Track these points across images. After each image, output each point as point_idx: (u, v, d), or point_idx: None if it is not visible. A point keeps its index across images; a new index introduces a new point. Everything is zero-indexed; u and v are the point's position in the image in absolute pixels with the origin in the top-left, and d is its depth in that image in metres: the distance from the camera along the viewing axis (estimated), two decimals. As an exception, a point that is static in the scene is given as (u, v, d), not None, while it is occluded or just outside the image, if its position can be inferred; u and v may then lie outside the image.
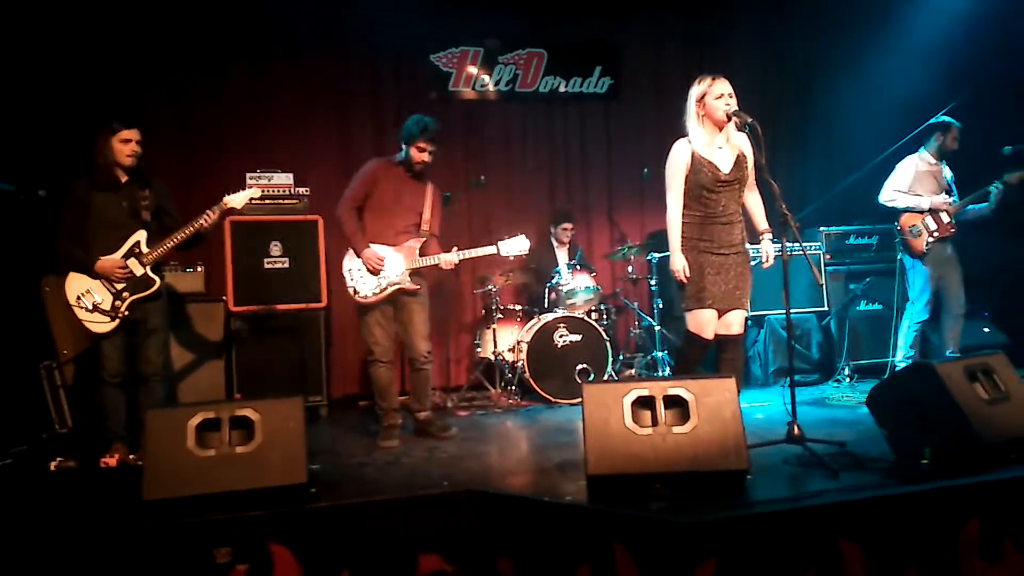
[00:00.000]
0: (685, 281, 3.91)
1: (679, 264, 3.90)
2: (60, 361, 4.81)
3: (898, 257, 5.52)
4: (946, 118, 5.39)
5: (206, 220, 4.15)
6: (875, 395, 3.59)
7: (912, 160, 5.44)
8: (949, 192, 5.39)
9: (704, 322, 3.87)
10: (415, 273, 4.47)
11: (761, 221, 4.03)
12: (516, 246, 4.60)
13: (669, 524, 2.70)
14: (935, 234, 5.26)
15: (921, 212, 5.30)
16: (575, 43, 7.05)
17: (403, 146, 4.50)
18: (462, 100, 6.86)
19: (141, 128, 4.16)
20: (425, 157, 4.46)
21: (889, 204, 5.44)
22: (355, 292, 4.42)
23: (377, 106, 6.52)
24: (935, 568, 2.81)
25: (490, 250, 4.54)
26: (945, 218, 5.26)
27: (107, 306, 4.06)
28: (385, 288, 4.40)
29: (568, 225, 6.58)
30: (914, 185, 5.38)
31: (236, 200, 4.27)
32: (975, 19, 6.39)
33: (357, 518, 3.02)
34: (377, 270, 4.38)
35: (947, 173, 5.45)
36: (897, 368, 5.31)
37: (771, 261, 3.95)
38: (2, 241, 4.81)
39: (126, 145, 4.09)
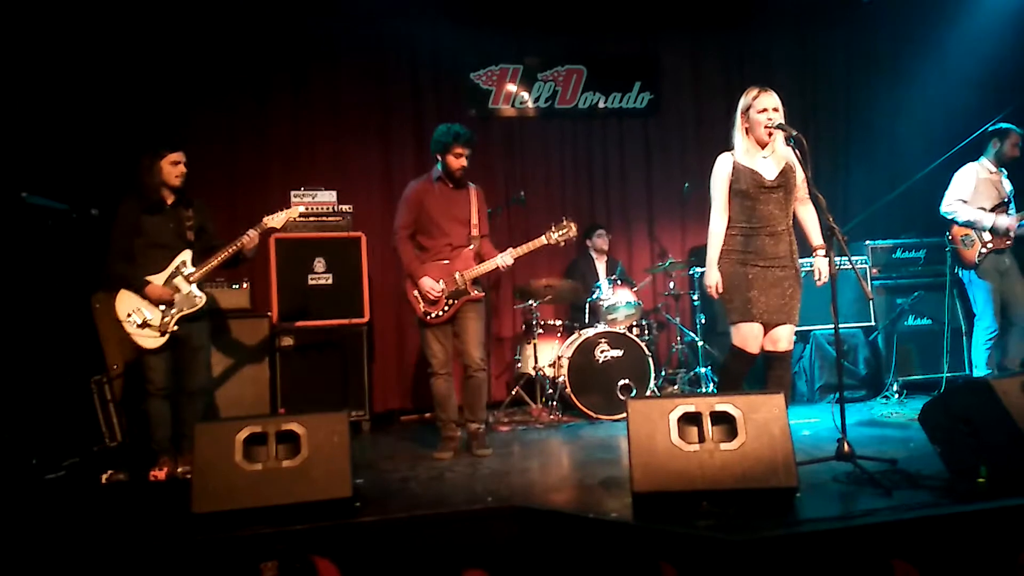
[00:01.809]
0: (716, 297, 3.88)
1: (713, 279, 3.88)
2: (110, 376, 4.91)
3: (955, 270, 5.37)
4: (1004, 124, 5.22)
5: (247, 240, 4.25)
6: (927, 411, 3.51)
7: (972, 168, 5.25)
8: (1008, 203, 5.20)
9: (749, 336, 3.81)
10: (475, 281, 4.49)
11: (815, 236, 3.96)
12: (564, 233, 4.55)
13: (718, 542, 2.66)
14: (989, 245, 5.11)
15: (980, 230, 5.13)
16: (614, 59, 7.06)
17: (438, 158, 4.53)
18: (502, 117, 6.90)
19: (185, 148, 4.28)
20: (463, 162, 4.48)
21: (950, 215, 5.25)
22: (427, 315, 4.46)
23: (418, 124, 6.58)
24: (994, 590, 2.73)
25: (540, 241, 4.52)
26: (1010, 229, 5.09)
27: (156, 322, 4.17)
28: (454, 304, 4.44)
29: (602, 231, 6.57)
30: (975, 195, 5.20)
31: (276, 220, 4.35)
32: (1018, 32, 6.27)
33: (402, 532, 3.03)
34: (436, 299, 4.41)
35: (1007, 183, 5.26)
36: None
37: (824, 279, 3.85)
38: (55, 259, 4.93)
39: (175, 167, 4.23)
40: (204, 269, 4.24)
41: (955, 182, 5.27)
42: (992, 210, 5.16)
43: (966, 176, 5.24)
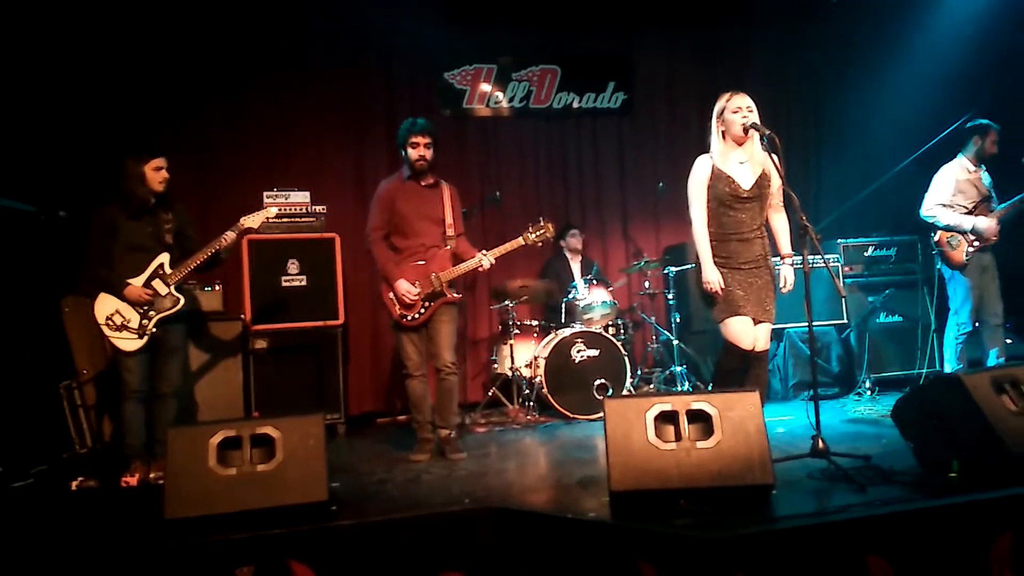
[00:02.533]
0: (720, 294, 3.87)
1: (713, 276, 3.86)
2: (80, 381, 4.83)
3: (936, 267, 5.39)
4: (983, 120, 5.22)
5: (224, 241, 4.23)
6: (900, 408, 3.56)
7: (951, 169, 5.27)
8: (989, 199, 5.22)
9: (740, 331, 3.84)
10: (452, 283, 4.47)
11: (784, 245, 4.02)
12: (541, 233, 4.53)
13: (695, 540, 2.67)
14: (975, 244, 5.12)
15: (961, 233, 5.15)
16: (588, 58, 7.07)
17: (403, 155, 4.51)
18: (476, 117, 6.88)
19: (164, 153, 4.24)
20: (421, 152, 4.43)
21: (930, 220, 5.27)
22: (403, 317, 4.43)
23: (391, 124, 6.52)
24: (966, 583, 2.76)
25: (518, 242, 4.49)
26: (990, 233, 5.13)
27: (135, 324, 4.15)
28: (430, 306, 4.41)
29: (575, 231, 6.59)
30: (955, 196, 5.21)
31: (253, 220, 4.31)
32: (989, 26, 6.36)
33: (378, 536, 3.00)
34: (412, 303, 4.38)
35: (986, 179, 5.29)
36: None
37: (789, 287, 3.93)
38: (23, 261, 4.85)
39: (158, 172, 4.20)
40: (183, 271, 4.21)
41: (934, 186, 5.29)
42: (973, 209, 5.18)
43: (944, 179, 5.26)
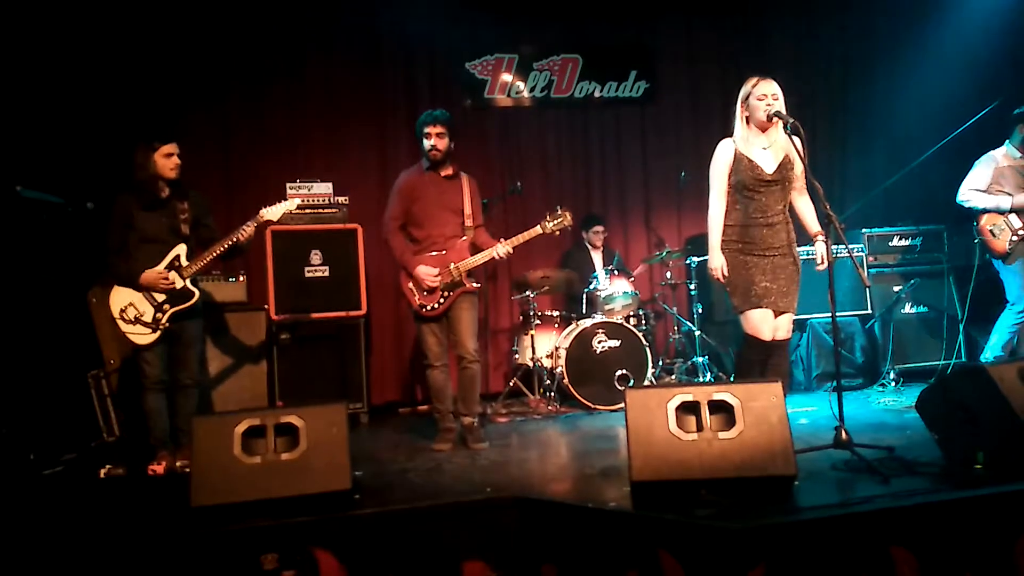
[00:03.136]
0: (722, 280, 3.89)
1: (717, 262, 3.89)
2: (107, 370, 4.91)
3: (975, 259, 5.28)
4: None
5: (243, 234, 4.19)
6: (925, 399, 3.53)
7: (992, 156, 5.14)
8: None
9: (760, 322, 3.82)
10: (471, 273, 4.48)
11: (813, 224, 3.99)
12: (559, 222, 4.52)
13: (717, 531, 2.67)
14: (1020, 232, 4.99)
15: (1002, 213, 5.03)
16: (609, 47, 7.03)
17: (421, 147, 4.52)
18: (498, 107, 6.88)
19: (179, 140, 4.22)
20: (435, 142, 4.44)
21: (967, 205, 5.16)
22: (422, 307, 4.44)
23: (412, 114, 6.47)
24: (991, 576, 2.73)
25: (535, 231, 4.49)
26: None
27: (149, 318, 4.14)
28: (449, 296, 4.42)
29: (599, 228, 6.56)
30: (995, 183, 5.09)
31: (272, 213, 4.28)
32: (1015, 13, 6.25)
33: (401, 524, 3.02)
34: (433, 287, 4.39)
35: None
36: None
37: (825, 264, 3.84)
38: (51, 253, 4.92)
39: (169, 159, 4.16)
40: (199, 264, 4.19)
41: (972, 172, 5.17)
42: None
43: (983, 166, 5.14)
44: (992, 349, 5.13)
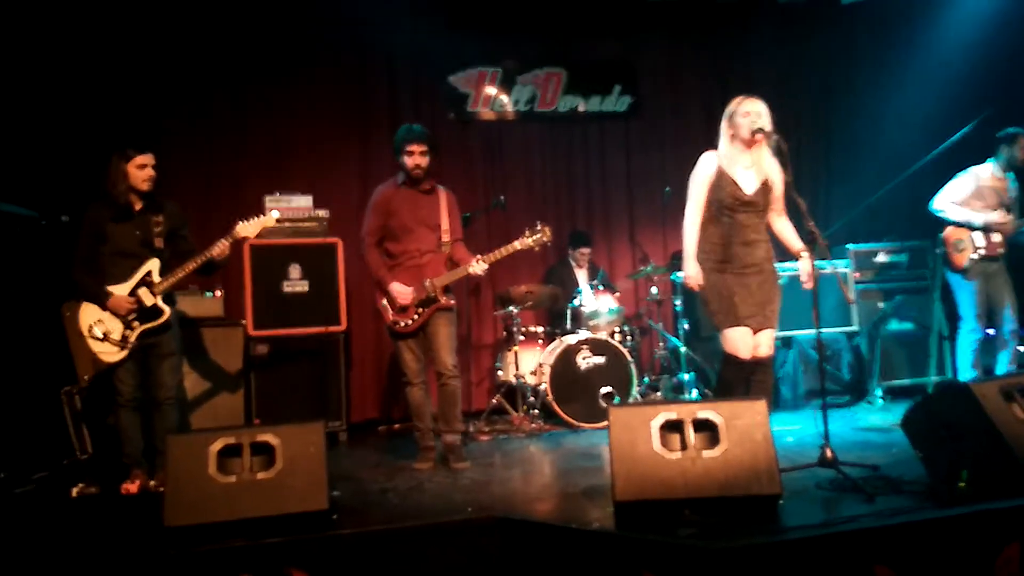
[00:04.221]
0: (697, 290, 3.90)
1: (692, 271, 3.91)
2: (81, 387, 4.81)
3: (941, 272, 5.33)
4: (1012, 129, 5.12)
5: (216, 250, 4.09)
6: (909, 417, 3.52)
7: (974, 172, 5.18)
8: (1010, 209, 5.13)
9: (739, 341, 3.81)
10: (447, 289, 4.43)
11: (794, 242, 3.98)
12: (539, 237, 4.48)
13: (700, 550, 2.63)
14: (980, 251, 5.05)
15: (971, 229, 5.07)
16: (594, 62, 7.04)
17: (399, 160, 4.47)
18: (481, 121, 6.85)
19: (159, 151, 4.15)
20: (417, 160, 4.39)
21: (940, 214, 5.19)
22: (396, 324, 4.39)
23: (395, 128, 6.40)
24: (976, 595, 2.71)
25: (514, 246, 4.45)
26: (996, 237, 5.04)
27: (117, 336, 4.06)
28: (423, 312, 4.37)
29: (586, 250, 6.54)
30: (972, 199, 5.13)
31: (248, 229, 4.17)
32: (999, 28, 6.31)
33: (380, 545, 2.97)
34: (405, 305, 4.35)
35: (1013, 190, 5.18)
36: None
37: (811, 281, 3.82)
38: (24, 266, 4.83)
39: (142, 171, 4.07)
40: (170, 280, 4.09)
41: (952, 183, 5.20)
42: None
43: (963, 180, 5.18)
44: (963, 371, 5.17)
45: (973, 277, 5.10)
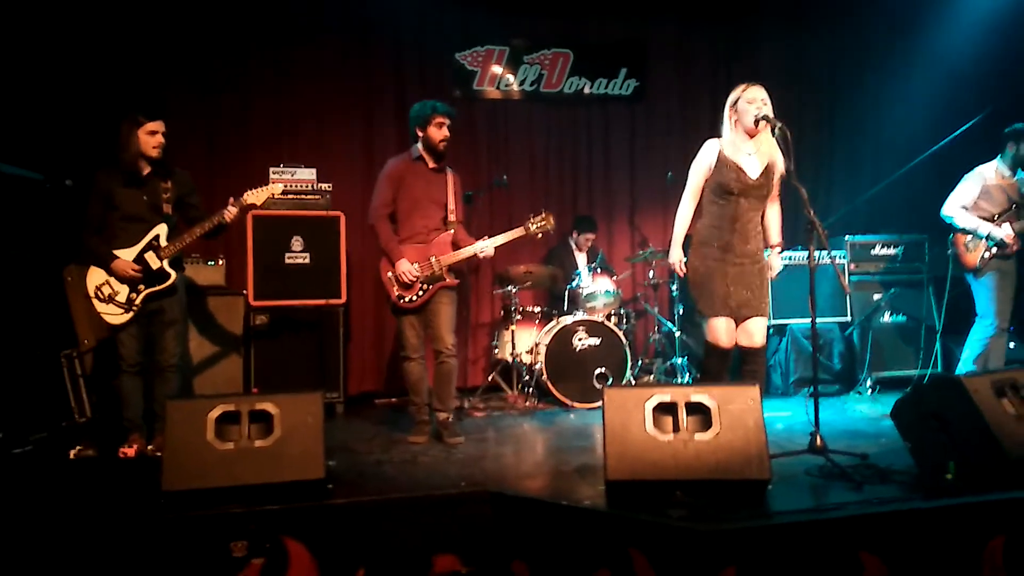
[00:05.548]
0: (681, 275, 4.00)
1: (675, 257, 4.04)
2: (81, 350, 4.84)
3: (949, 270, 5.29)
4: (1019, 124, 5.05)
5: (227, 215, 4.15)
6: (899, 408, 3.55)
7: (980, 173, 5.13)
8: (1020, 207, 5.07)
9: (720, 330, 3.86)
10: (451, 268, 4.46)
11: (775, 235, 4.04)
12: (543, 224, 4.54)
13: (689, 532, 2.68)
14: (993, 251, 5.02)
15: (977, 238, 5.04)
16: (601, 44, 7.02)
17: (418, 134, 4.48)
18: (486, 99, 6.84)
19: (165, 119, 4.16)
20: (446, 133, 4.44)
21: (949, 221, 5.16)
22: (400, 299, 4.41)
23: (400, 103, 6.50)
24: (959, 585, 2.77)
25: (519, 232, 4.51)
26: (1009, 235, 5.00)
27: (122, 298, 4.09)
28: (428, 289, 4.40)
29: (590, 235, 6.55)
30: (980, 200, 5.09)
31: (256, 196, 4.23)
32: (1004, 24, 6.30)
33: (374, 516, 3.01)
34: (411, 282, 4.37)
35: (1021, 186, 5.12)
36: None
37: (774, 276, 4.00)
38: (28, 230, 4.85)
39: (152, 137, 4.09)
40: (178, 244, 4.14)
41: (959, 188, 5.16)
42: (998, 216, 5.06)
43: (970, 182, 5.13)
44: (965, 363, 5.17)
45: (987, 274, 5.08)
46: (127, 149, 4.07)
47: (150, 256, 4.11)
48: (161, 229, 4.15)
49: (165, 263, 4.14)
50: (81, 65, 5.55)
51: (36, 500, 3.42)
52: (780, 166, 3.88)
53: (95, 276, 4.11)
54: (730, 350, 3.89)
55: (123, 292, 4.09)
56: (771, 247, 4.04)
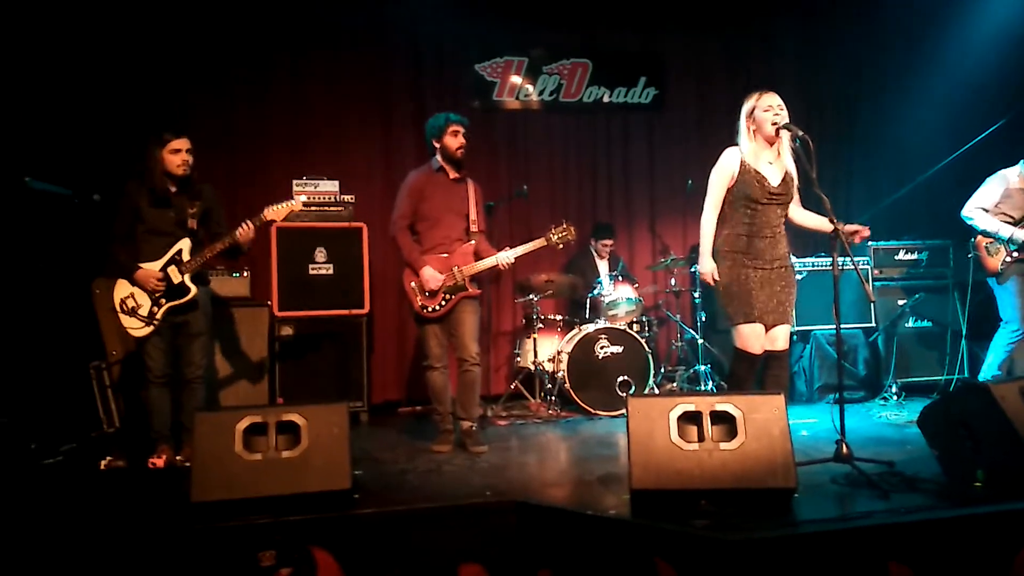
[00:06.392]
0: (712, 284, 3.93)
1: (708, 267, 3.94)
2: (109, 362, 4.91)
3: (970, 274, 5.29)
4: None
5: (242, 232, 4.16)
6: (926, 415, 3.53)
7: (1004, 176, 5.08)
8: None
9: (751, 336, 3.84)
10: (473, 278, 4.49)
11: (820, 221, 3.92)
12: (564, 235, 4.56)
13: (715, 541, 2.67)
14: (1015, 254, 4.98)
15: (998, 240, 5.00)
16: (620, 53, 7.03)
17: (435, 145, 4.52)
18: (506, 110, 6.87)
19: (188, 132, 4.22)
20: (462, 140, 4.49)
21: (969, 222, 5.12)
22: (423, 308, 4.45)
23: (420, 114, 6.52)
24: (989, 594, 2.74)
25: (540, 243, 4.54)
26: None
27: (145, 312, 4.15)
28: (451, 299, 4.43)
29: (608, 242, 6.55)
30: (1002, 203, 5.05)
31: (276, 212, 4.25)
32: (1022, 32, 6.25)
33: (400, 525, 3.03)
34: (435, 291, 4.40)
35: None
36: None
37: (866, 232, 3.85)
38: (57, 243, 4.93)
39: (176, 155, 4.15)
40: (198, 260, 4.19)
41: (981, 189, 5.12)
42: (1020, 220, 5.02)
43: (992, 184, 5.09)
44: (989, 368, 5.13)
45: (1009, 278, 5.03)
46: (153, 168, 4.14)
47: (172, 270, 4.17)
48: (184, 244, 4.20)
49: (186, 278, 4.18)
50: (105, 80, 5.65)
51: (67, 510, 3.46)
52: (795, 176, 3.89)
53: (121, 289, 4.18)
54: (760, 356, 3.87)
55: (145, 305, 4.15)
56: (830, 230, 3.76)
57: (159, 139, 4.14)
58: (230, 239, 4.17)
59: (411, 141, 6.53)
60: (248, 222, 4.19)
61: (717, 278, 3.91)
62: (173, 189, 4.21)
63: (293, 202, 4.35)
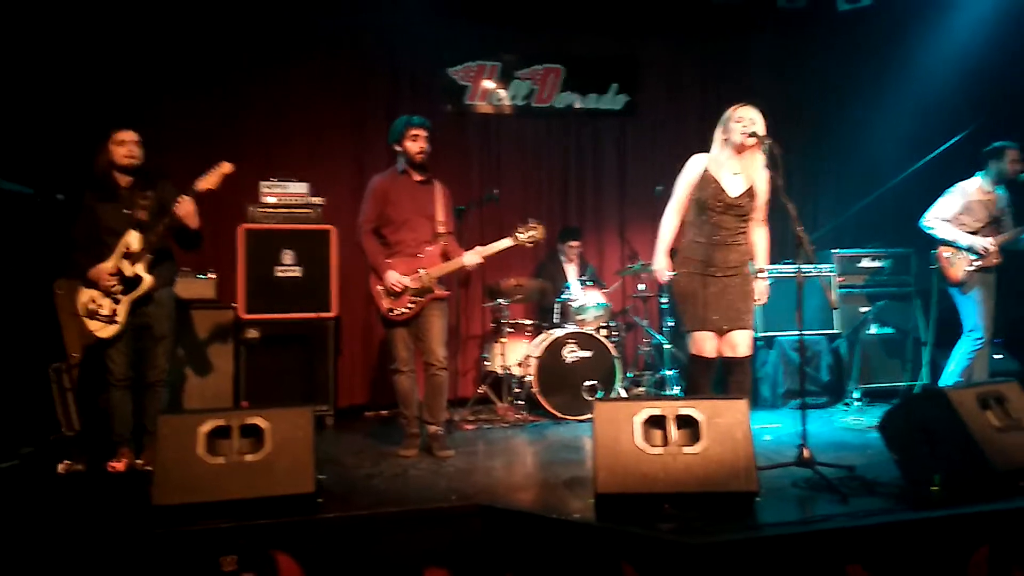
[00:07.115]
0: (663, 282, 4.13)
1: (660, 264, 4.12)
2: (69, 364, 4.83)
3: (934, 283, 5.38)
4: (997, 143, 5.16)
5: (179, 205, 4.03)
6: (886, 420, 3.59)
7: (961, 188, 5.21)
8: (999, 221, 5.16)
9: (703, 342, 3.94)
10: (440, 280, 4.48)
11: (761, 259, 4.07)
12: (532, 234, 4.54)
13: (678, 545, 2.70)
14: (976, 263, 5.10)
15: (957, 248, 5.12)
16: (592, 59, 7.07)
17: (396, 150, 4.52)
18: (478, 114, 6.88)
19: (151, 134, 4.17)
20: (422, 144, 4.46)
21: (928, 231, 5.24)
22: (390, 311, 4.42)
23: (392, 117, 6.40)
24: (945, 596, 2.79)
25: (507, 243, 4.52)
26: (991, 249, 5.07)
27: (107, 311, 4.09)
28: (418, 302, 4.41)
29: (574, 243, 6.58)
30: (962, 214, 5.17)
31: (208, 181, 4.14)
32: (989, 46, 6.38)
33: (365, 529, 3.02)
34: (399, 292, 4.39)
35: (1002, 200, 5.21)
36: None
37: (763, 300, 4.06)
38: (18, 243, 4.84)
39: (122, 147, 4.10)
40: (146, 248, 4.08)
41: (940, 201, 5.24)
42: (979, 230, 5.14)
43: (953, 196, 5.21)
44: (950, 375, 5.23)
45: (972, 288, 5.14)
46: (99, 161, 4.10)
47: (124, 264, 4.09)
48: (132, 236, 4.10)
49: (139, 267, 4.10)
50: (72, 79, 5.56)
51: (25, 514, 3.41)
52: (763, 190, 3.94)
53: (82, 295, 4.11)
54: (713, 360, 3.97)
55: (106, 305, 4.08)
56: (757, 272, 4.05)
57: (106, 133, 4.09)
58: (169, 218, 4.06)
59: (383, 144, 6.40)
60: (183, 196, 4.08)
61: (666, 278, 4.07)
62: (124, 183, 4.14)
63: (221, 166, 4.21)
